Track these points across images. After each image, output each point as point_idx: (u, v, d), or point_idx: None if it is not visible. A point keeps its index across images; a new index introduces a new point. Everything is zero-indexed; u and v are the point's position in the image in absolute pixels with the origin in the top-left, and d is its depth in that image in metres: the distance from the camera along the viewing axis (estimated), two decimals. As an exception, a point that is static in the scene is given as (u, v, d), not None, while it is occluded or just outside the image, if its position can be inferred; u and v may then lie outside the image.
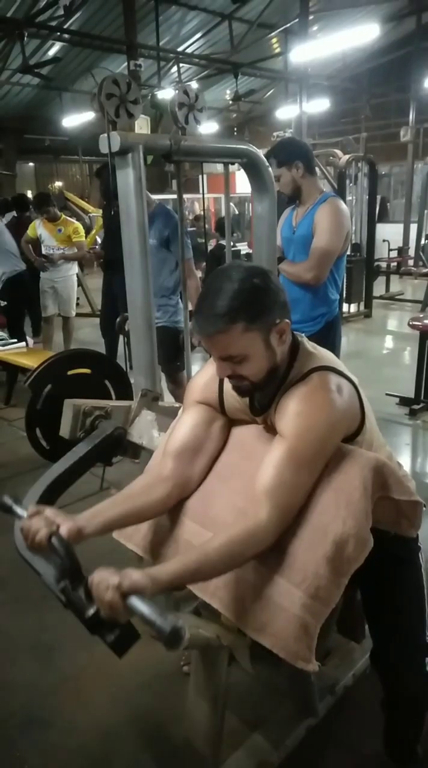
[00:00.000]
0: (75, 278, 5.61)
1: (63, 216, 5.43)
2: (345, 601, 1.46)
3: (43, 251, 5.29)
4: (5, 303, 4.86)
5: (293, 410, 1.14)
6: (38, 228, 5.29)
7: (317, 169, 2.68)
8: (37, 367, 2.80)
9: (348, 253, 2.84)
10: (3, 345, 4.21)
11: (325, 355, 1.24)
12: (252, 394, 1.24)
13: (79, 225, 5.44)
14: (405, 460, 3.57)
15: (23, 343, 4.30)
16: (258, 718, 1.65)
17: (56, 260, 5.26)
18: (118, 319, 2.73)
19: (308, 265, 2.42)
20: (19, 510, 1.18)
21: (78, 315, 7.97)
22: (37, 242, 5.32)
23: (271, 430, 1.24)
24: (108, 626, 0.98)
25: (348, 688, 1.73)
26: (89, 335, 6.71)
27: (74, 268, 5.58)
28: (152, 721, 1.76)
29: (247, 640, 1.19)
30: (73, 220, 5.58)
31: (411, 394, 4.21)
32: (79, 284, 8.28)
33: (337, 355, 2.60)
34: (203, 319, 1.12)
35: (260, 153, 2.20)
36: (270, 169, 2.33)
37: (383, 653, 1.39)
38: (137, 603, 0.93)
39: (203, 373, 1.37)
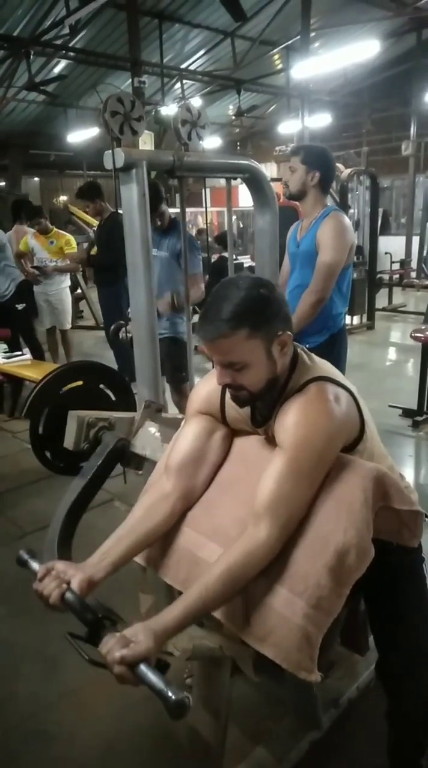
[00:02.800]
0: (68, 291, 5.64)
1: (54, 228, 5.49)
2: (348, 613, 1.46)
3: (35, 264, 5.30)
4: (24, 305, 4.94)
5: (291, 421, 1.15)
6: (30, 241, 5.31)
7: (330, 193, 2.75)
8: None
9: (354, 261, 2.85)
10: (7, 357, 4.24)
11: (323, 365, 1.25)
12: (250, 404, 1.25)
13: (71, 237, 5.49)
14: (408, 472, 3.57)
15: (28, 356, 4.33)
16: (262, 731, 1.64)
17: (49, 272, 5.26)
18: (112, 328, 2.74)
19: (312, 286, 2.44)
20: (34, 565, 1.22)
21: (82, 327, 8.05)
22: (29, 255, 5.36)
23: (272, 441, 1.25)
24: None
25: (352, 701, 1.72)
26: (94, 348, 6.75)
27: (67, 281, 5.61)
28: (154, 734, 1.75)
29: (250, 650, 1.19)
30: (64, 232, 5.62)
31: (414, 406, 4.21)
32: (83, 297, 8.37)
33: (343, 367, 2.60)
34: (207, 323, 1.13)
35: (262, 168, 2.24)
36: (291, 160, 2.45)
37: (387, 665, 1.38)
38: (145, 672, 0.98)
39: (204, 384, 1.38)
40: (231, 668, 1.33)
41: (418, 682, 1.35)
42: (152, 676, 0.97)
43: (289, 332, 1.18)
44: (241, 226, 12.06)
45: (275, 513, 1.11)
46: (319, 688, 1.52)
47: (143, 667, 0.98)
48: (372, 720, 1.61)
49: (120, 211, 1.87)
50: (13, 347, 4.59)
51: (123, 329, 2.64)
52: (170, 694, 0.94)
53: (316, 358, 1.26)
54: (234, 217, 10.45)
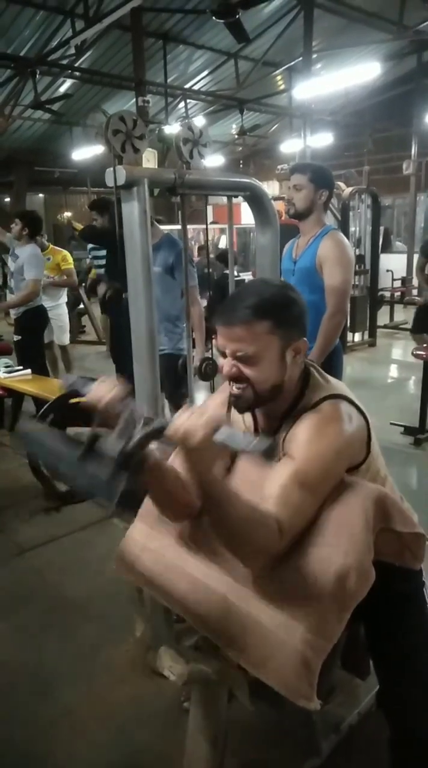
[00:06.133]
0: (65, 306, 5.63)
1: (51, 245, 5.50)
2: (348, 637, 1.43)
3: None
4: (20, 338, 4.57)
5: (304, 437, 1.14)
6: None
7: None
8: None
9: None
10: (8, 372, 4.23)
11: (336, 384, 1.24)
12: (251, 409, 1.24)
13: (67, 253, 5.49)
14: (409, 491, 3.54)
15: (29, 370, 4.32)
16: (260, 757, 1.61)
17: (45, 285, 5.13)
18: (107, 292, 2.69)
19: (330, 309, 2.48)
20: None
21: (84, 342, 8.06)
22: None
23: (275, 459, 1.24)
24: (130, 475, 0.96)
25: (353, 727, 1.68)
26: (95, 363, 6.75)
27: (64, 297, 5.60)
28: (150, 759, 1.71)
29: (248, 675, 1.16)
30: (60, 248, 5.64)
31: (416, 424, 4.19)
32: (86, 312, 8.40)
33: (339, 383, 2.61)
34: (230, 309, 1.13)
35: (264, 186, 2.25)
36: (293, 176, 2.48)
37: (388, 693, 1.35)
38: (223, 432, 0.94)
39: (216, 397, 1.38)
40: (229, 693, 1.31)
41: (421, 711, 1.32)
42: (232, 433, 0.94)
43: (305, 340, 1.18)
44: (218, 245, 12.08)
45: (279, 514, 1.08)
46: (319, 714, 1.49)
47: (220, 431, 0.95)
48: (373, 746, 1.57)
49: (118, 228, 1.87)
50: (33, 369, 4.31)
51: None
52: (259, 444, 0.92)
53: (329, 377, 1.26)
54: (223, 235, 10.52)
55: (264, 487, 1.17)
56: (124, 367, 4.29)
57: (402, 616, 1.28)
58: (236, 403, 1.21)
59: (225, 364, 1.17)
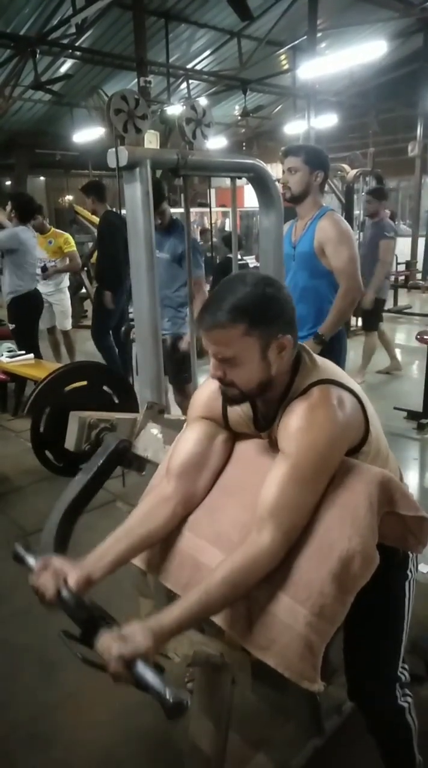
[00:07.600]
0: (67, 291, 5.60)
1: (53, 228, 5.46)
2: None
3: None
4: (14, 326, 4.61)
5: (294, 426, 1.12)
6: None
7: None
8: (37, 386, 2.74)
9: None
10: (11, 357, 4.23)
11: (326, 367, 1.22)
12: (239, 403, 1.23)
13: (69, 236, 5.45)
14: (412, 475, 3.54)
15: (31, 355, 4.32)
16: (263, 737, 1.62)
17: (50, 275, 5.20)
18: (123, 328, 2.74)
19: (343, 288, 2.48)
20: (31, 561, 1.21)
21: (86, 327, 8.02)
22: None
23: (275, 444, 1.23)
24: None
25: (355, 708, 1.69)
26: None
27: (66, 281, 5.57)
28: (154, 740, 1.74)
29: (251, 658, 1.17)
30: (61, 231, 5.59)
31: (420, 408, 4.18)
32: (88, 296, 8.36)
33: (342, 367, 2.61)
34: (207, 312, 1.12)
35: (267, 167, 2.22)
36: (287, 159, 2.42)
37: (355, 685, 1.34)
38: (142, 671, 0.95)
39: (205, 388, 1.36)
40: (233, 675, 1.31)
41: (384, 701, 1.32)
42: (149, 675, 0.94)
43: (290, 336, 1.14)
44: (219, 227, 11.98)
45: (278, 519, 1.08)
46: (322, 695, 1.50)
47: (140, 666, 0.95)
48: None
49: (120, 211, 1.86)
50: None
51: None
52: (167, 694, 0.91)
53: (319, 360, 1.23)
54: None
55: (263, 474, 1.16)
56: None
57: (378, 605, 1.25)
58: (225, 397, 1.22)
59: (211, 366, 1.17)
